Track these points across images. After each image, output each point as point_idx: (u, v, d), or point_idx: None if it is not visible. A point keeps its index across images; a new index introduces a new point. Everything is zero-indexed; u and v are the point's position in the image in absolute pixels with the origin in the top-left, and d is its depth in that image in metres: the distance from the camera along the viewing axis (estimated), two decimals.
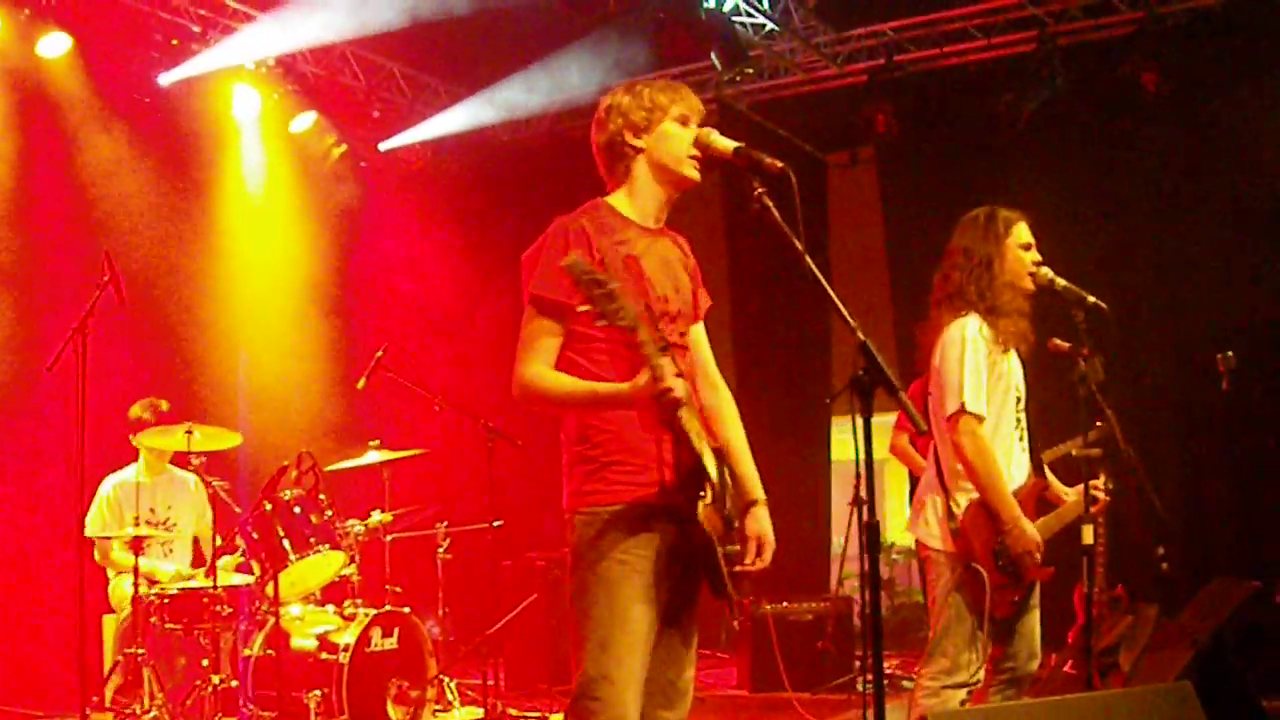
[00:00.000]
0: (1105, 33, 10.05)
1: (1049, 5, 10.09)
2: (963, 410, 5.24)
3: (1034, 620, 5.46)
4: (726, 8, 9.85)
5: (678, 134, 4.14)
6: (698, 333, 4.42)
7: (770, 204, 3.91)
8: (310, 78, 10.76)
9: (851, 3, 10.45)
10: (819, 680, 8.94)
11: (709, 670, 10.03)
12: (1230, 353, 7.35)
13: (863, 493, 3.83)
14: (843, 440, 11.15)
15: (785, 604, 9.11)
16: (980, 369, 5.29)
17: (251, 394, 9.63)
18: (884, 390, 3.63)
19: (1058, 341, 5.56)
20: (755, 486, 4.34)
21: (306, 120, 10.71)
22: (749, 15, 10.24)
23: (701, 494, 3.94)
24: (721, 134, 4.16)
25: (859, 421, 3.66)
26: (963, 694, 5.27)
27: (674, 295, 4.18)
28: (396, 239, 11.15)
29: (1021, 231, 5.58)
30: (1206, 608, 7.68)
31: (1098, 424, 5.86)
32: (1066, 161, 10.29)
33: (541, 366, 3.99)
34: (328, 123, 10.88)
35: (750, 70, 10.18)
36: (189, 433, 7.25)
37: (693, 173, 4.17)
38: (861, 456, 3.71)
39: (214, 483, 7.25)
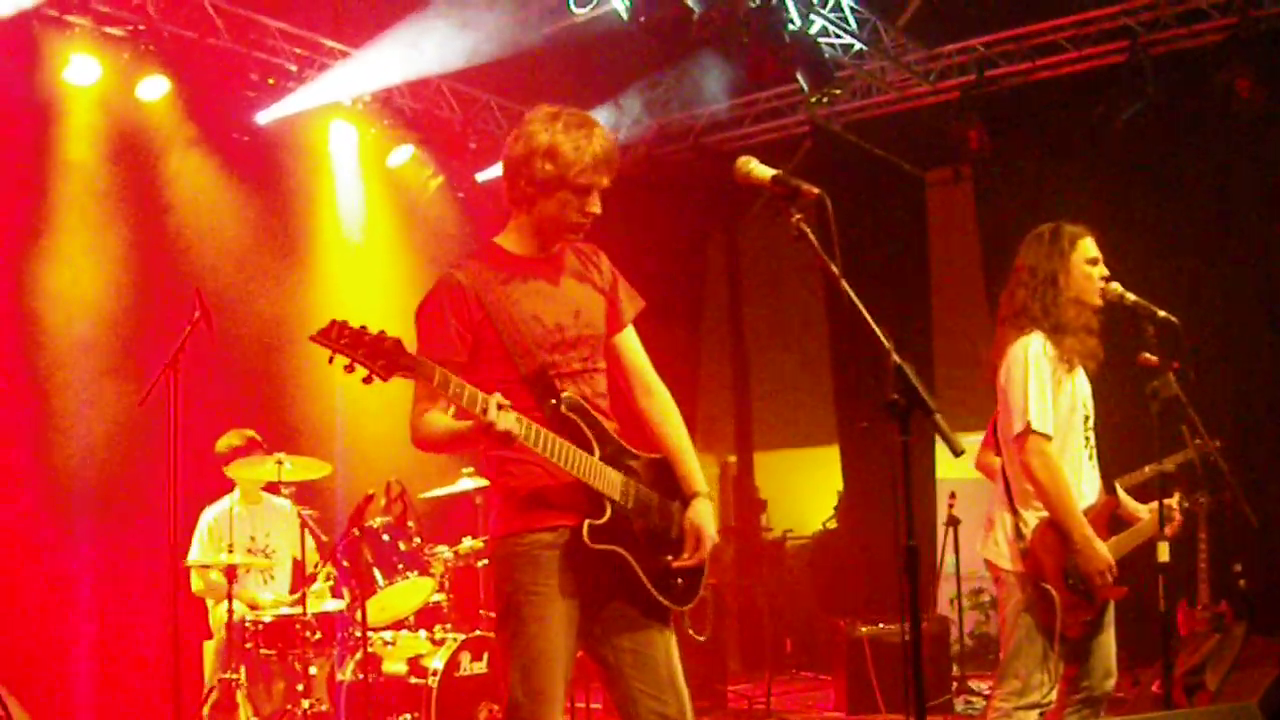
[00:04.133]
0: (1198, 40, 9.92)
1: (1140, 15, 9.97)
2: (1029, 430, 5.22)
3: (1109, 639, 5.42)
4: (813, 30, 9.87)
5: (569, 202, 4.18)
6: (627, 339, 4.49)
7: (808, 230, 3.94)
8: (407, 112, 10.93)
9: (941, 19, 10.42)
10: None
11: (808, 692, 10.05)
12: None
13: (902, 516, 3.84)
14: (945, 459, 11.08)
15: (881, 625, 9.08)
16: (1045, 387, 5.27)
17: (348, 424, 9.81)
18: (919, 413, 3.67)
19: (1147, 355, 5.51)
20: (694, 481, 4.42)
21: (404, 154, 10.89)
22: (837, 36, 10.25)
23: (591, 518, 4.06)
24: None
25: (899, 443, 3.71)
26: (1035, 715, 5.25)
27: (572, 321, 4.26)
28: None
29: (1087, 246, 5.52)
30: None
31: (1195, 441, 5.81)
32: (1161, 171, 10.17)
33: (423, 415, 4.14)
34: (425, 155, 11.04)
35: (838, 91, 10.17)
36: (280, 463, 7.45)
37: (575, 237, 4.31)
38: (908, 481, 3.73)
39: (303, 511, 7.41)
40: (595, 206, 4.22)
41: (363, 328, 3.78)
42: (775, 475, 12.69)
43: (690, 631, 4.34)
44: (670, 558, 4.23)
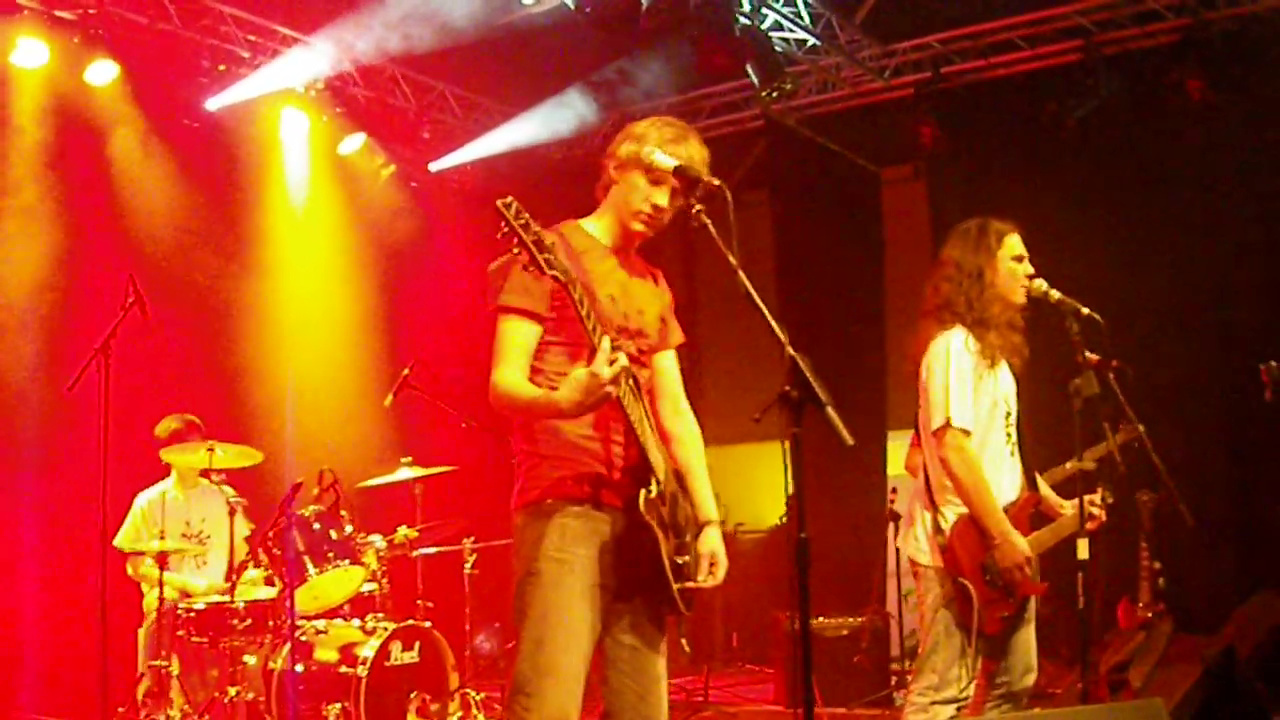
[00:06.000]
0: (1151, 41, 9.95)
1: (1095, 15, 10.00)
2: (948, 425, 5.23)
3: (1028, 635, 5.41)
4: (765, 25, 9.86)
5: (640, 188, 4.23)
6: (666, 361, 4.54)
7: (708, 221, 3.96)
8: (360, 99, 10.87)
9: (897, 16, 10.43)
10: (854, 695, 8.92)
11: (750, 685, 10.07)
12: (1275, 363, 7.24)
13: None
14: (896, 456, 11.09)
15: (821, 619, 9.09)
16: (965, 382, 5.27)
17: (295, 411, 9.78)
18: (812, 406, 3.67)
19: (1088, 354, 5.51)
20: (710, 508, 4.44)
21: (355, 142, 10.83)
22: (791, 31, 10.24)
23: (646, 488, 4.02)
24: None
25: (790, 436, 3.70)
26: (951, 710, 5.25)
27: (635, 315, 4.28)
28: (446, 259, 11.22)
29: (1013, 243, 5.54)
30: (1248, 623, 7.57)
31: (1114, 435, 5.80)
32: (1113, 170, 10.18)
33: (514, 373, 4.07)
34: (376, 144, 10.99)
35: (789, 86, 10.13)
36: (210, 450, 7.43)
37: (639, 227, 4.27)
38: (790, 472, 3.72)
39: (232, 499, 7.41)
40: (662, 200, 4.22)
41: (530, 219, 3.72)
42: (727, 470, 12.66)
43: (683, 641, 4.30)
44: (683, 559, 4.19)
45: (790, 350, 3.70)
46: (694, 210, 3.98)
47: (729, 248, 3.88)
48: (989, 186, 10.44)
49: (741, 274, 3.84)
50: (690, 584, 4.22)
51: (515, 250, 3.70)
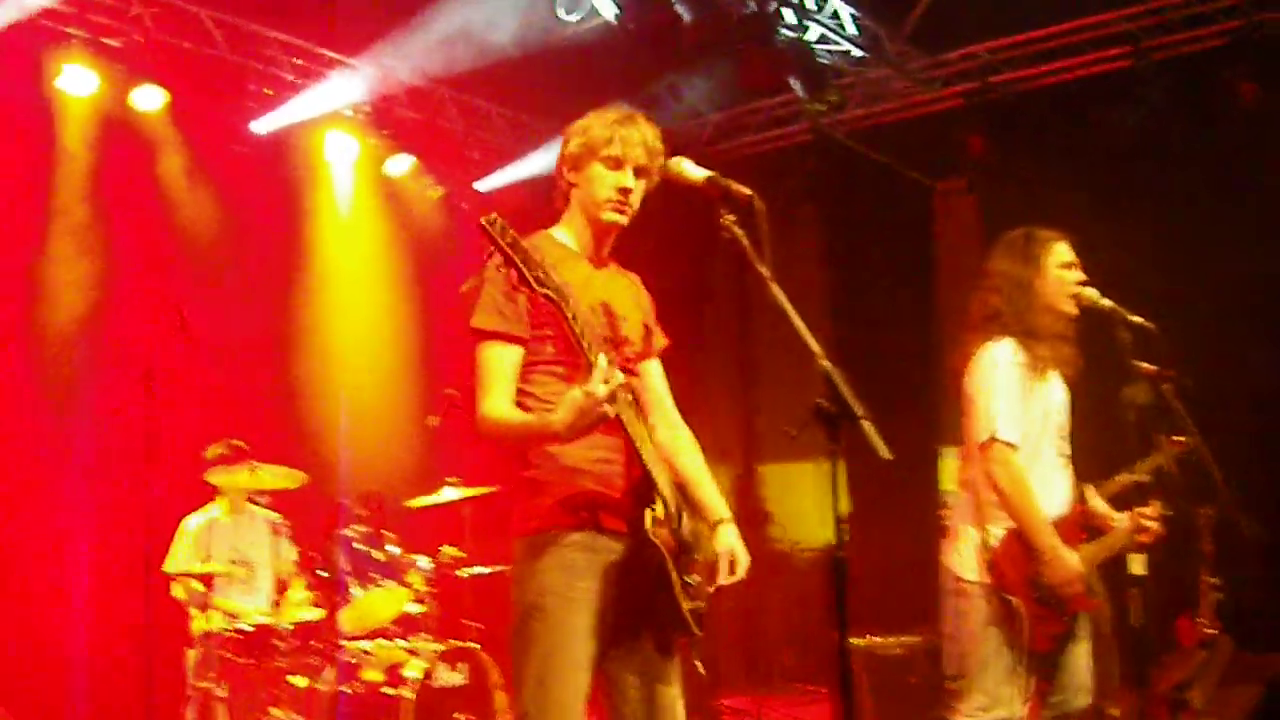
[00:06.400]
0: (1202, 44, 9.81)
1: (1144, 20, 9.87)
2: (994, 439, 5.13)
3: (1081, 653, 5.30)
4: (810, 38, 9.78)
5: (601, 176, 4.11)
6: (653, 369, 4.41)
7: (739, 232, 3.85)
8: (407, 121, 10.87)
9: (944, 26, 10.32)
10: (909, 715, 8.77)
11: (803, 706, 9.95)
12: None
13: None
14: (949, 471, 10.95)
15: (872, 638, 8.96)
16: (1013, 395, 5.17)
17: (346, 433, 9.78)
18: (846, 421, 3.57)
19: (1143, 364, 5.40)
20: (720, 507, 4.30)
21: (403, 163, 10.85)
22: (837, 44, 10.15)
23: (651, 505, 3.88)
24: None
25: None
26: None
27: (619, 323, 4.15)
28: None
29: (1061, 251, 5.43)
30: None
31: (1175, 441, 5.68)
32: (1167, 176, 10.01)
33: (502, 401, 3.94)
34: (424, 165, 10.99)
35: (835, 98, 10.07)
36: (252, 470, 7.41)
37: (611, 216, 4.14)
38: (836, 488, 3.62)
39: (277, 522, 7.40)
40: (627, 181, 4.11)
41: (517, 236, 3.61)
42: (784, 488, 12.57)
43: (696, 663, 4.17)
44: (692, 577, 4.04)
45: (823, 362, 3.61)
46: (724, 221, 3.86)
47: (761, 259, 3.78)
48: (1042, 197, 10.26)
49: (774, 285, 3.73)
50: (716, 585, 4.12)
51: (503, 270, 3.61)
